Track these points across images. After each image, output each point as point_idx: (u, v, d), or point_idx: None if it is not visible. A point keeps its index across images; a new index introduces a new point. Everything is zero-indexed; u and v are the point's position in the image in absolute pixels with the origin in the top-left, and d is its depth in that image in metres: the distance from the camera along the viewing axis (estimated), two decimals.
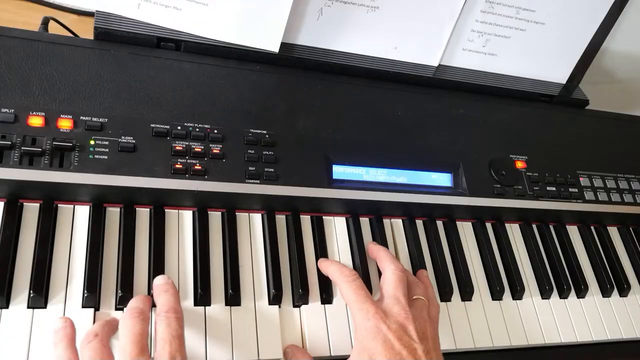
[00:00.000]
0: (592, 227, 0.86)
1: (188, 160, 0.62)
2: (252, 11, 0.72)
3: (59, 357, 0.49)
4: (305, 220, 0.69)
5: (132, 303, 0.53)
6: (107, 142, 0.60)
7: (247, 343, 0.58)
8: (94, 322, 0.54)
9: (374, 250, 0.68)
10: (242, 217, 0.66)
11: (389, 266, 0.63)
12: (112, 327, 0.52)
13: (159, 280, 0.56)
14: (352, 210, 0.71)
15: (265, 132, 0.68)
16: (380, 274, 0.66)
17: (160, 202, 0.63)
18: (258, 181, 0.64)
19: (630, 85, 1.17)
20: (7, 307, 0.53)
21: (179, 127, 0.64)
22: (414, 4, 0.79)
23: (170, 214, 0.63)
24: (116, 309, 0.56)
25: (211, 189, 0.62)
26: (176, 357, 0.49)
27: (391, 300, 0.59)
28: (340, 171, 0.70)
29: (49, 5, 0.90)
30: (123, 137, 0.61)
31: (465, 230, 0.77)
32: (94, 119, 0.61)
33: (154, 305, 0.55)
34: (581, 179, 0.83)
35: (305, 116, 0.71)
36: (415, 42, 0.83)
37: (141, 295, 0.55)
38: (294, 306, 0.63)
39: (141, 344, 0.49)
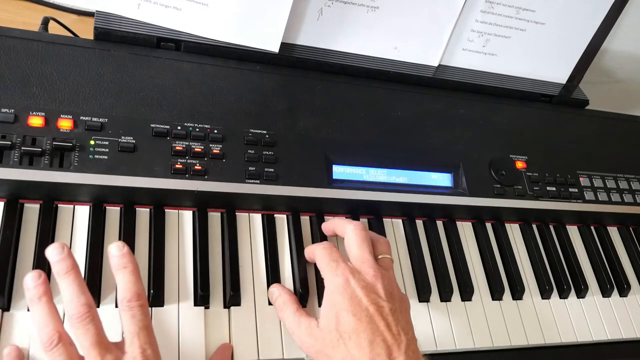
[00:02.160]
0: (592, 227, 0.86)
1: (188, 160, 0.62)
2: (252, 11, 0.72)
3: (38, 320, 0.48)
4: (305, 221, 0.69)
5: (71, 297, 0.48)
6: (107, 142, 0.60)
7: (247, 343, 0.58)
8: None
9: (328, 224, 0.66)
10: (242, 217, 0.66)
11: (348, 226, 0.62)
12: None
13: (113, 251, 0.52)
14: (352, 210, 0.71)
15: (265, 132, 0.68)
16: None
17: (160, 202, 0.63)
18: (258, 181, 0.64)
19: (630, 85, 1.17)
20: (7, 308, 0.53)
21: (179, 127, 0.64)
22: (414, 4, 0.79)
23: (170, 214, 0.63)
24: (116, 308, 0.56)
25: (211, 189, 0.62)
26: (146, 350, 0.48)
27: (358, 260, 0.59)
28: (340, 171, 0.70)
29: (49, 5, 0.90)
30: (123, 137, 0.61)
31: (465, 230, 0.77)
32: (94, 119, 0.61)
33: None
34: (581, 179, 0.83)
35: (305, 116, 0.71)
36: (415, 42, 0.83)
37: (69, 275, 0.49)
38: None
39: (102, 343, 0.47)
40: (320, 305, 0.63)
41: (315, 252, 0.61)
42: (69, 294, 0.49)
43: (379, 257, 0.61)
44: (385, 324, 0.54)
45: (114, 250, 0.53)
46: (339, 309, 0.55)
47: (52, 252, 0.50)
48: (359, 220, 0.71)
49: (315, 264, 0.66)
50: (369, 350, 0.52)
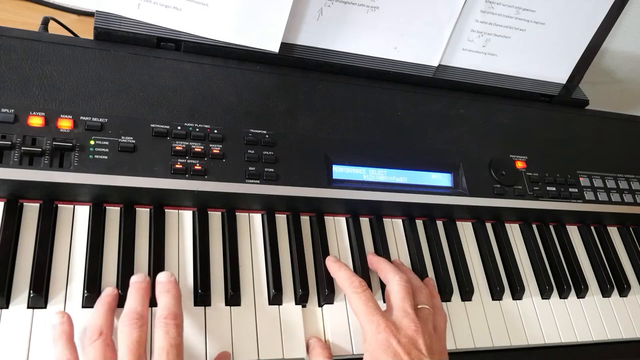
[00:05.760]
0: (592, 227, 0.86)
1: (188, 160, 0.62)
2: (252, 11, 0.72)
3: (58, 355, 0.49)
4: (305, 221, 0.69)
5: (130, 304, 0.52)
6: (107, 142, 0.60)
7: (247, 343, 0.58)
8: None
9: (374, 262, 0.67)
10: (242, 217, 0.66)
11: (393, 278, 0.63)
12: (112, 318, 0.53)
13: (161, 278, 0.55)
14: (352, 210, 0.71)
15: (265, 132, 0.68)
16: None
17: (160, 202, 0.63)
18: (258, 181, 0.64)
19: (630, 85, 1.17)
20: (7, 307, 0.53)
21: (179, 127, 0.64)
22: (414, 4, 0.79)
23: (170, 214, 0.63)
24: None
25: (211, 189, 0.62)
26: None
27: (400, 313, 0.59)
28: (340, 171, 0.70)
29: (49, 5, 0.90)
30: (123, 137, 0.61)
31: (465, 230, 0.77)
32: (94, 119, 0.61)
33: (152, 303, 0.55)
34: (581, 179, 0.83)
35: (305, 116, 0.71)
36: (415, 42, 0.83)
37: (139, 289, 0.54)
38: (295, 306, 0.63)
39: (138, 353, 0.49)
40: (320, 304, 0.64)
41: (351, 296, 0.61)
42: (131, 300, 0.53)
43: (418, 306, 0.62)
44: None
45: (162, 277, 0.56)
46: None
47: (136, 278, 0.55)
48: (359, 221, 0.71)
49: (315, 266, 0.66)
50: None
